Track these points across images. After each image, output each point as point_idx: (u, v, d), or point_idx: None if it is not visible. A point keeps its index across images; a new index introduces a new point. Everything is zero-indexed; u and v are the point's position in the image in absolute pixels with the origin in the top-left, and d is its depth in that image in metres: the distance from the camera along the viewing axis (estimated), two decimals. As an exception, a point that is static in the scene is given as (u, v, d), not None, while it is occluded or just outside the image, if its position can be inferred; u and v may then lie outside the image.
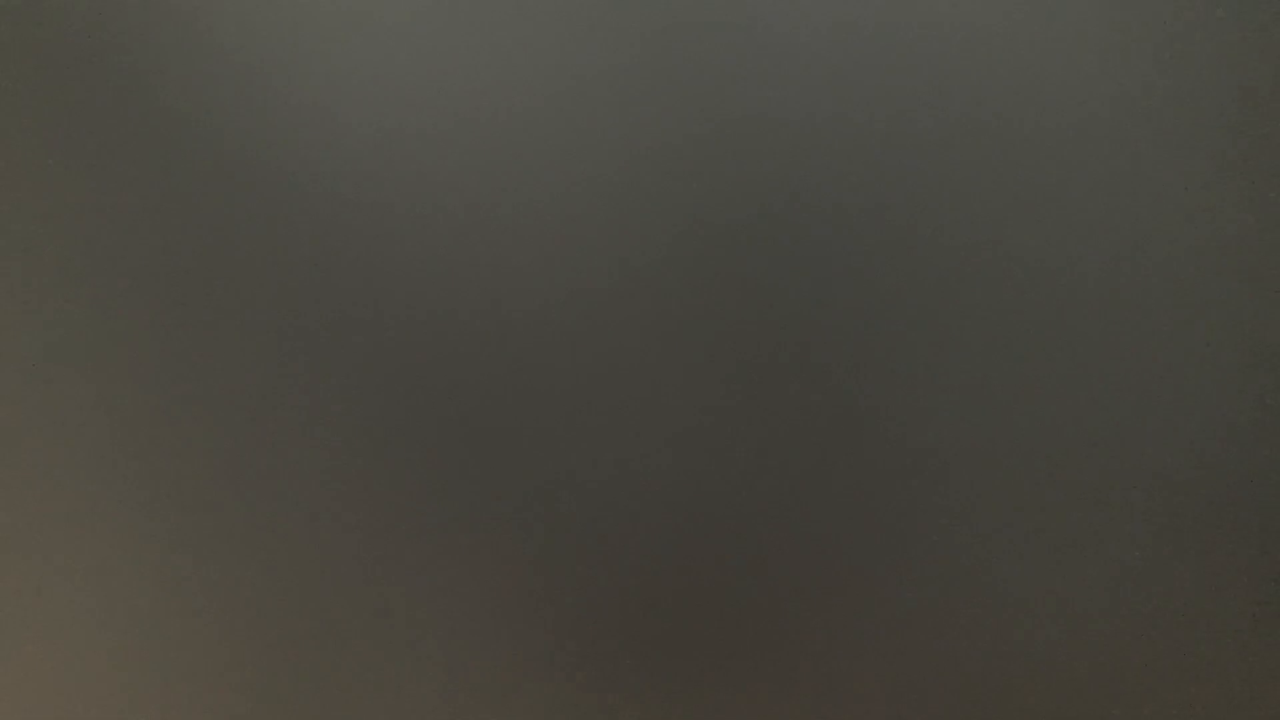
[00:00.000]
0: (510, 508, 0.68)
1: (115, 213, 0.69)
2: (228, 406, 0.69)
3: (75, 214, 0.69)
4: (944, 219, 0.66)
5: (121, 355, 0.69)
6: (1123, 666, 0.66)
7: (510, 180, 0.67)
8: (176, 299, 0.69)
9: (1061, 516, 0.66)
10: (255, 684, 0.70)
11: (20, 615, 0.70)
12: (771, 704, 0.68)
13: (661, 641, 0.68)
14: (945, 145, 0.66)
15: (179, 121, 0.68)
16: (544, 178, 0.67)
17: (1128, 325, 0.65)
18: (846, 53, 0.66)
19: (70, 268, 0.69)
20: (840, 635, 0.67)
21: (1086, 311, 0.65)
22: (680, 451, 0.67)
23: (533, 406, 0.68)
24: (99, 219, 0.69)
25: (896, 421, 0.66)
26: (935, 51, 0.65)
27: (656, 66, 0.67)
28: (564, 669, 0.68)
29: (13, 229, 0.69)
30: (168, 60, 0.68)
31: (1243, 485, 0.65)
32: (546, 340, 0.68)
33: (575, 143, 0.67)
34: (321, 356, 0.68)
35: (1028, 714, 0.67)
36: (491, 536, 0.68)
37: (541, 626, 0.68)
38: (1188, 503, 0.66)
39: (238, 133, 0.68)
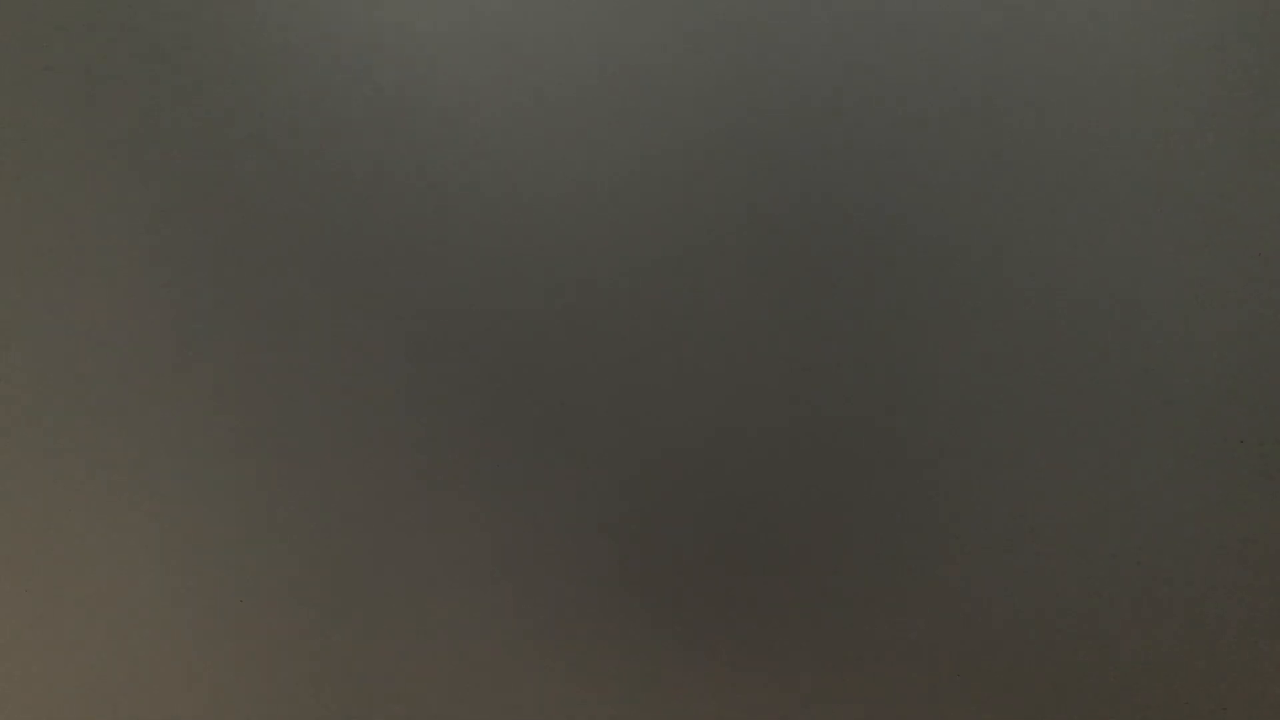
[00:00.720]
0: (525, 503, 0.68)
1: (122, 210, 0.69)
2: (244, 400, 0.69)
3: (79, 212, 0.69)
4: (959, 219, 0.66)
5: (133, 349, 0.69)
6: (1124, 667, 0.66)
7: (529, 176, 0.67)
8: (197, 292, 0.69)
9: (1069, 519, 0.66)
10: (270, 681, 0.70)
11: (29, 613, 0.70)
12: (776, 701, 0.68)
13: (675, 637, 0.68)
14: (962, 145, 0.66)
15: (190, 118, 0.68)
16: (560, 175, 0.67)
17: (1135, 330, 0.65)
18: (871, 53, 0.66)
19: (75, 264, 0.69)
20: (849, 632, 0.67)
21: (1099, 315, 0.65)
22: (693, 450, 0.67)
23: (544, 400, 0.68)
24: (104, 216, 0.69)
25: (906, 422, 0.66)
26: (954, 54, 0.66)
27: (674, 65, 0.67)
28: (577, 665, 0.68)
29: (25, 224, 0.70)
30: (189, 61, 0.69)
31: (1248, 486, 0.65)
32: (558, 336, 0.68)
33: (596, 141, 0.67)
34: (343, 349, 0.68)
35: (1032, 712, 0.67)
36: (510, 530, 0.68)
37: (555, 622, 0.68)
38: (1192, 503, 0.66)
39: (252, 127, 0.68)
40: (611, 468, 0.68)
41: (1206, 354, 0.65)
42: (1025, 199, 0.66)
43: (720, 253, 0.67)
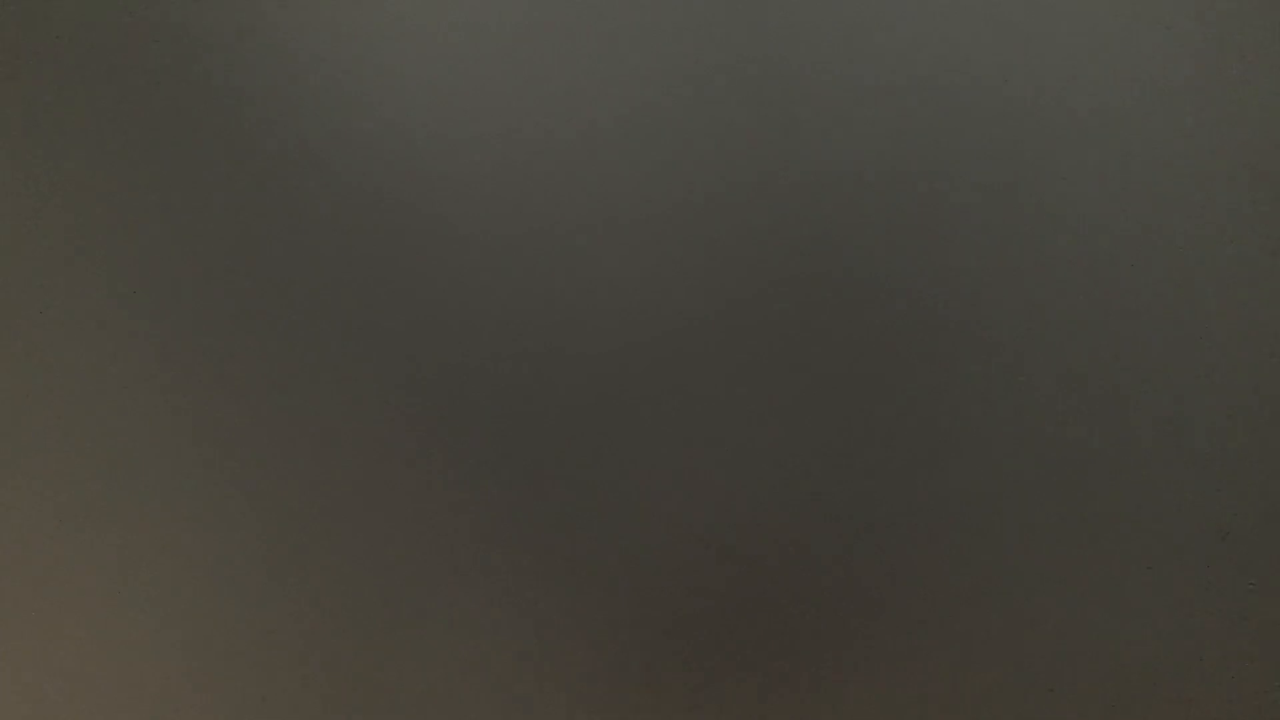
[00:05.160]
0: (536, 514, 0.68)
1: (124, 209, 0.69)
2: (254, 407, 0.69)
3: (83, 209, 0.69)
4: (968, 217, 0.66)
5: (137, 352, 0.69)
6: (1127, 673, 0.67)
7: (539, 183, 0.67)
8: (199, 297, 0.69)
9: (1079, 523, 0.67)
10: (275, 694, 0.70)
11: (25, 616, 0.70)
12: (775, 706, 0.68)
13: (685, 648, 0.68)
14: (974, 140, 0.66)
15: (199, 118, 0.68)
16: (571, 189, 0.67)
17: (1142, 329, 0.66)
18: (868, 40, 0.66)
19: (77, 262, 0.69)
20: (852, 640, 0.68)
21: (1107, 318, 0.66)
22: (699, 458, 0.67)
23: (554, 410, 0.68)
24: (107, 214, 0.69)
25: (908, 424, 0.67)
26: (960, 46, 0.66)
27: (691, 71, 0.66)
28: (591, 679, 0.69)
29: (22, 223, 0.69)
30: (189, 60, 0.68)
31: (1254, 492, 0.66)
32: (574, 346, 0.68)
33: (614, 150, 0.67)
34: (350, 357, 0.68)
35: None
36: (520, 542, 0.68)
37: (569, 635, 0.69)
38: (1199, 506, 0.66)
39: (268, 131, 0.68)
40: (634, 477, 0.68)
41: (1214, 354, 0.66)
42: (1039, 200, 0.66)
43: (731, 261, 0.67)
